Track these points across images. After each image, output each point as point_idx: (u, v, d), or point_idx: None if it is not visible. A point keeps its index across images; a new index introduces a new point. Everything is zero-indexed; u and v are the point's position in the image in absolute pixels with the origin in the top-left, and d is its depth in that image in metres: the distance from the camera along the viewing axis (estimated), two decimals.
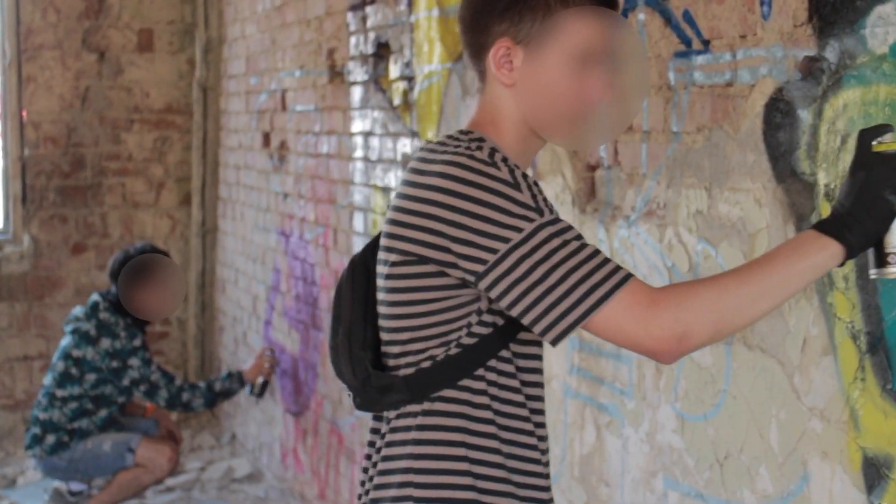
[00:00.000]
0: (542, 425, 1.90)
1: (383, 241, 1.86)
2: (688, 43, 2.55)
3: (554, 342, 1.73)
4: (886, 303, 1.99)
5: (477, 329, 1.82)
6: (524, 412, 1.87)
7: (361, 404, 1.92)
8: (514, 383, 1.86)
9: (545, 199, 1.77)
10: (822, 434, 2.17)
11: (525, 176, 1.77)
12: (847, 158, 2.07)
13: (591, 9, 1.83)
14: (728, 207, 2.41)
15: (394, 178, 4.21)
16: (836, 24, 2.10)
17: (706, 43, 2.48)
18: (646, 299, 1.70)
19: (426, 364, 1.84)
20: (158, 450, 5.29)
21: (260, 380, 5.51)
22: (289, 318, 5.48)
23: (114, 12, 6.94)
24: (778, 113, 2.26)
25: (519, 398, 1.86)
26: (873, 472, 2.04)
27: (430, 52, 3.87)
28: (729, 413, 2.43)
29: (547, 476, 1.92)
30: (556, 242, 1.71)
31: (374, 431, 1.94)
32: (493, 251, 1.72)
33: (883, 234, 1.74)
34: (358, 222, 4.57)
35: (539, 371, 1.91)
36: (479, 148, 1.78)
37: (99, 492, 5.35)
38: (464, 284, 1.79)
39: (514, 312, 1.74)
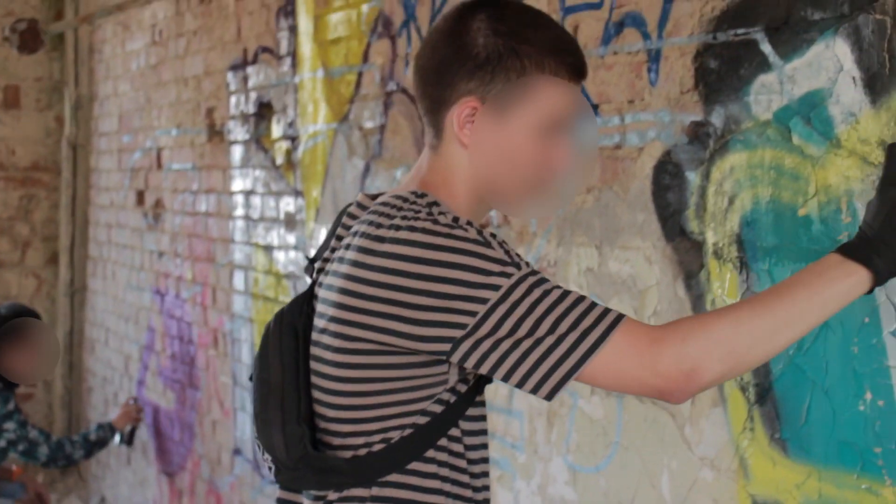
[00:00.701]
0: (487, 501, 1.81)
1: (332, 311, 1.70)
2: None
3: (548, 397, 1.61)
4: (774, 357, 2.10)
5: (431, 408, 1.70)
6: (468, 493, 1.76)
7: (288, 481, 1.78)
8: (462, 463, 1.74)
9: (517, 254, 1.66)
10: (712, 483, 2.25)
11: (493, 234, 1.65)
12: (734, 219, 2.18)
13: (569, 70, 1.73)
14: (618, 265, 2.50)
15: (276, 237, 4.23)
16: (721, 91, 2.22)
17: (595, 107, 2.58)
18: (645, 338, 1.58)
19: (379, 446, 1.70)
20: None
21: (128, 427, 5.47)
22: (164, 377, 5.42)
23: None
24: (666, 175, 2.37)
25: (465, 479, 1.75)
26: None
27: (314, 112, 3.92)
28: (621, 464, 2.51)
29: None
30: (537, 293, 1.59)
31: None
32: (472, 314, 1.59)
33: None
34: (238, 280, 4.57)
35: (486, 446, 1.81)
36: (441, 213, 1.65)
37: None
38: (432, 362, 1.66)
39: (500, 374, 1.61)
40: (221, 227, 4.74)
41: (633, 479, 2.47)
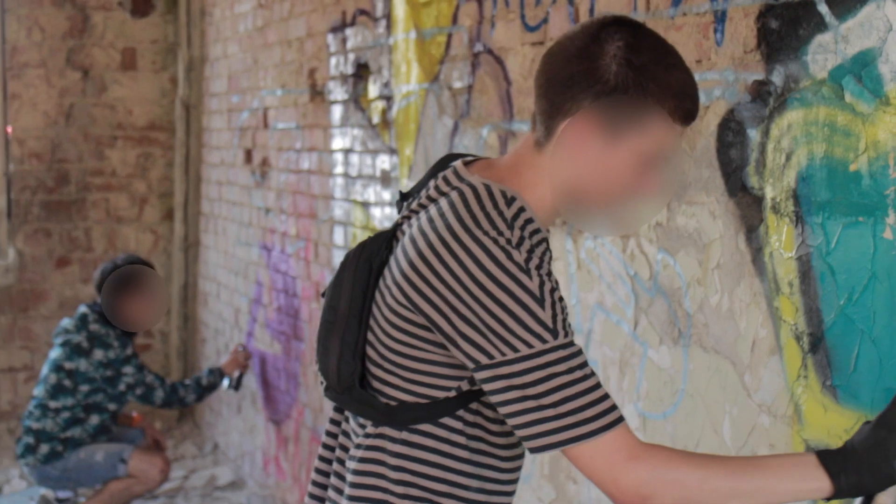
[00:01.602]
0: (511, 459, 1.94)
1: (399, 277, 1.83)
2: None
3: (532, 452, 1.77)
4: (826, 307, 2.18)
5: (463, 385, 1.85)
6: (497, 451, 1.90)
7: (334, 400, 1.95)
8: (495, 427, 1.90)
9: (564, 319, 1.77)
10: (769, 428, 2.35)
11: (553, 291, 1.76)
12: (791, 174, 2.26)
13: (685, 117, 1.84)
14: (685, 219, 2.60)
15: (373, 194, 4.39)
16: (782, 50, 2.29)
17: None
18: (626, 451, 1.73)
19: (411, 401, 1.86)
20: (151, 461, 5.42)
21: (236, 373, 5.74)
22: (271, 329, 5.64)
23: (98, 31, 7.11)
24: (730, 132, 2.45)
25: (494, 438, 1.90)
26: None
27: (407, 73, 4.06)
28: (686, 411, 2.61)
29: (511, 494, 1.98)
30: (562, 367, 1.73)
31: (334, 432, 1.99)
32: (502, 353, 1.74)
33: (875, 493, 1.79)
34: (338, 236, 4.74)
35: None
36: (520, 244, 1.76)
37: (87, 499, 5.48)
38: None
39: (503, 411, 1.76)
40: (322, 184, 4.91)
41: (698, 425, 2.57)
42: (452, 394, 1.85)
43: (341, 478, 1.97)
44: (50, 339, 6.26)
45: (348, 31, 4.61)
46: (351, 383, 1.90)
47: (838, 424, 2.16)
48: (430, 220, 1.84)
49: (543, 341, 1.73)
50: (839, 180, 2.14)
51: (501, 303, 1.73)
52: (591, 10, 2.94)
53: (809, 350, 2.23)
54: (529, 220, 1.79)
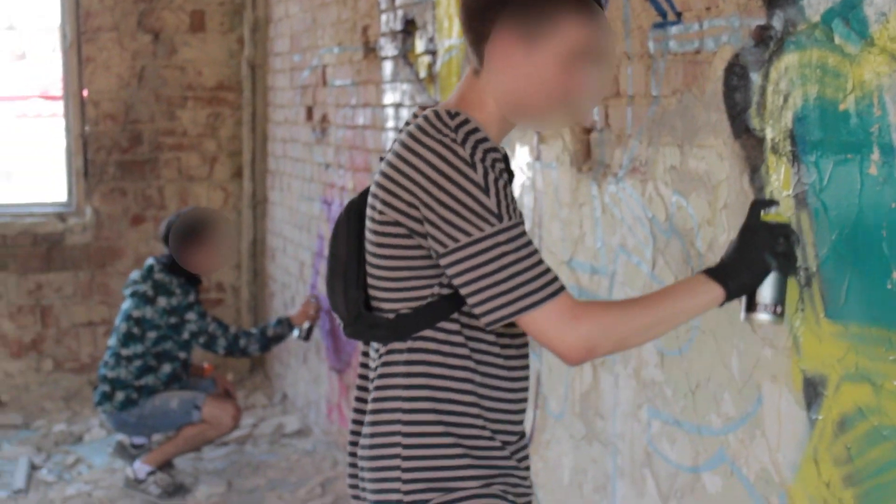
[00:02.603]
0: (514, 357, 2.16)
1: (371, 199, 2.10)
2: (664, 15, 2.82)
3: (487, 325, 2.00)
4: (820, 242, 2.27)
5: (442, 289, 2.08)
6: (496, 349, 2.13)
7: (352, 334, 2.18)
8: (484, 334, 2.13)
9: (509, 204, 1.99)
10: (771, 360, 2.45)
11: (497, 180, 1.99)
12: (788, 115, 2.34)
13: (588, 7, 2.06)
14: (696, 162, 2.69)
15: None
16: None
17: (679, 15, 2.75)
18: (569, 314, 1.98)
19: (406, 311, 2.09)
20: (223, 407, 5.64)
21: (306, 324, 5.89)
22: None
23: None
24: (735, 76, 2.53)
25: (489, 337, 2.12)
26: (811, 391, 2.32)
27: (449, 28, 4.17)
28: (699, 347, 2.72)
29: (519, 409, 2.17)
30: (507, 247, 1.97)
31: (364, 365, 2.22)
32: (455, 239, 1.97)
33: (757, 286, 2.14)
34: None
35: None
36: (464, 140, 1.99)
37: (161, 444, 5.71)
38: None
39: (462, 292, 2.00)
40: (376, 138, 5.05)
41: (709, 360, 2.68)
42: (434, 298, 2.07)
43: (368, 409, 2.16)
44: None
45: None
46: (357, 311, 2.13)
47: (831, 354, 2.25)
48: (392, 150, 2.09)
49: (491, 224, 1.96)
50: (830, 120, 2.22)
51: (451, 194, 1.97)
52: None
53: (805, 284, 2.32)
54: (475, 129, 2.01)
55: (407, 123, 2.16)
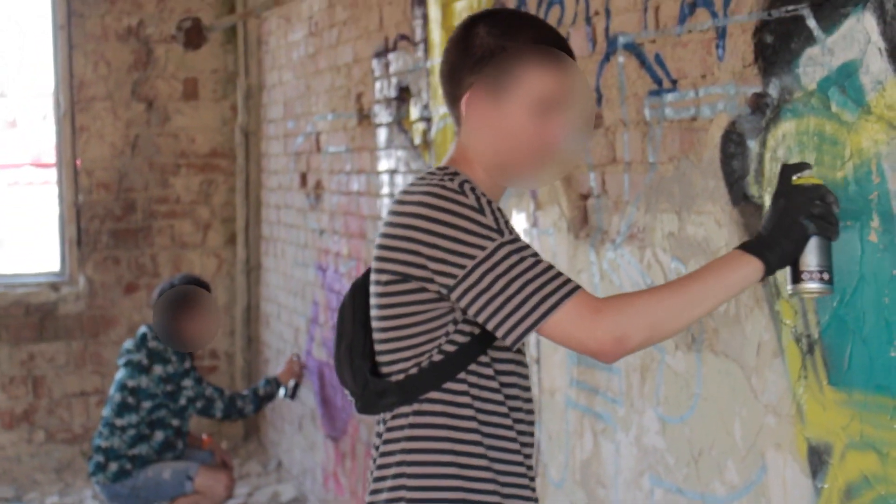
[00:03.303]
0: (522, 422, 2.14)
1: (374, 264, 2.12)
2: (659, 82, 2.83)
3: (512, 344, 1.98)
4: (821, 308, 2.26)
5: (456, 337, 2.07)
6: (503, 409, 2.11)
7: (362, 408, 2.17)
8: (494, 384, 2.11)
9: (506, 222, 2.02)
10: (775, 428, 2.43)
11: (490, 202, 2.02)
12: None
13: (551, 57, 2.07)
14: (694, 228, 2.69)
15: None
16: (777, 63, 2.38)
17: (674, 82, 2.77)
18: (590, 308, 1.94)
19: (413, 370, 2.09)
20: (216, 477, 5.59)
21: (291, 382, 5.89)
22: (327, 347, 5.79)
23: (160, 63, 7.34)
24: (732, 143, 2.55)
25: (498, 397, 2.10)
26: (816, 459, 2.30)
27: None
28: (701, 414, 2.70)
29: (528, 474, 2.15)
30: (514, 259, 1.96)
31: (376, 434, 2.20)
32: (462, 267, 1.98)
33: (798, 255, 2.01)
34: None
35: (519, 374, 2.15)
36: (451, 179, 2.04)
37: None
38: (440, 298, 2.04)
39: (481, 319, 1.99)
40: (371, 205, 5.06)
41: (712, 427, 2.66)
42: (449, 347, 2.06)
43: (371, 473, 2.17)
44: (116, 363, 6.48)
45: (391, 56, 4.75)
46: (364, 378, 2.13)
47: (836, 422, 2.24)
48: (388, 213, 2.13)
49: (492, 240, 1.97)
50: (829, 187, 2.22)
51: (449, 223, 1.99)
52: (607, 30, 3.05)
53: (808, 351, 2.31)
54: (467, 180, 2.05)
55: (402, 193, 2.18)
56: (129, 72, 7.31)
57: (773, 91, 2.40)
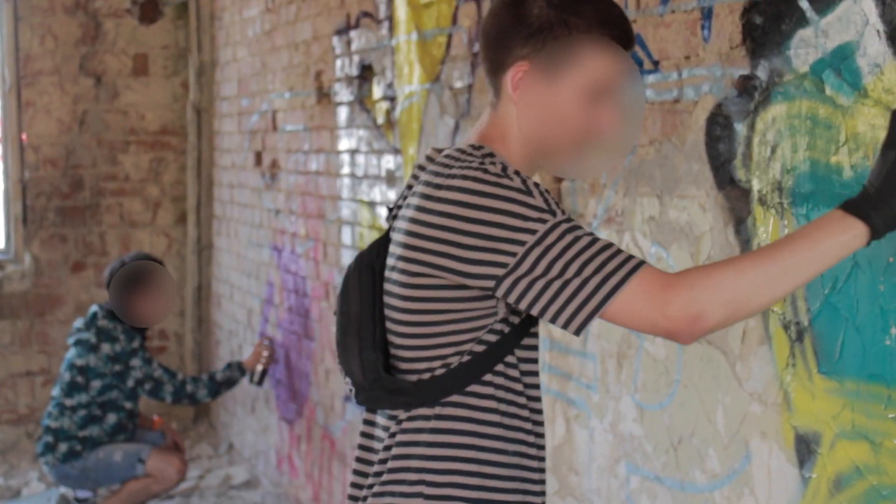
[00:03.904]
0: (540, 423, 2.01)
1: (400, 251, 1.92)
2: (640, 63, 2.78)
3: (577, 332, 1.79)
4: (812, 296, 2.22)
5: (487, 337, 1.91)
6: (525, 413, 1.97)
7: (365, 401, 2.00)
8: (518, 386, 1.96)
9: (556, 202, 1.84)
10: (760, 416, 2.39)
11: (536, 183, 1.84)
12: (776, 167, 2.30)
13: (610, 45, 1.91)
14: (677, 213, 2.64)
15: (378, 194, 4.44)
16: (766, 45, 2.34)
17: (656, 63, 2.72)
18: (658, 284, 1.75)
19: (440, 371, 1.92)
20: (168, 460, 5.48)
21: (259, 368, 5.70)
22: (282, 329, 5.71)
23: (109, 38, 7.18)
24: (718, 126, 2.50)
25: (521, 400, 1.96)
26: (804, 448, 2.26)
27: (409, 74, 4.11)
28: (681, 401, 2.66)
29: (542, 470, 2.02)
30: (568, 238, 1.78)
31: (375, 426, 2.03)
32: (512, 254, 1.79)
33: None
34: (346, 236, 4.80)
35: (538, 373, 2.02)
36: (492, 163, 1.85)
37: (105, 499, 5.54)
38: (482, 297, 1.87)
39: (536, 310, 1.80)
40: (330, 185, 4.97)
41: (692, 414, 2.62)
42: (478, 347, 1.90)
43: (374, 472, 2.00)
44: (66, 343, 6.35)
45: (353, 34, 4.66)
46: (376, 374, 1.96)
47: (826, 411, 2.20)
48: (414, 196, 1.93)
49: (544, 222, 1.79)
50: (822, 172, 2.18)
51: (494, 209, 1.80)
52: None
53: (797, 339, 2.27)
54: (502, 163, 1.87)
55: (420, 168, 2.01)
56: (76, 46, 7.16)
57: (762, 73, 2.35)
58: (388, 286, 1.97)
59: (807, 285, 2.22)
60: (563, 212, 1.84)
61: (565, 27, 1.90)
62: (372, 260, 2.02)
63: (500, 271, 1.81)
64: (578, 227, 1.81)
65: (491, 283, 1.83)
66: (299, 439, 5.54)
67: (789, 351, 2.29)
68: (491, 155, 1.90)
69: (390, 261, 1.97)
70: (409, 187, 2.02)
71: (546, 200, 1.82)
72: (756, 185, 2.37)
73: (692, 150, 2.59)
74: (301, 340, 5.44)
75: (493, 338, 1.92)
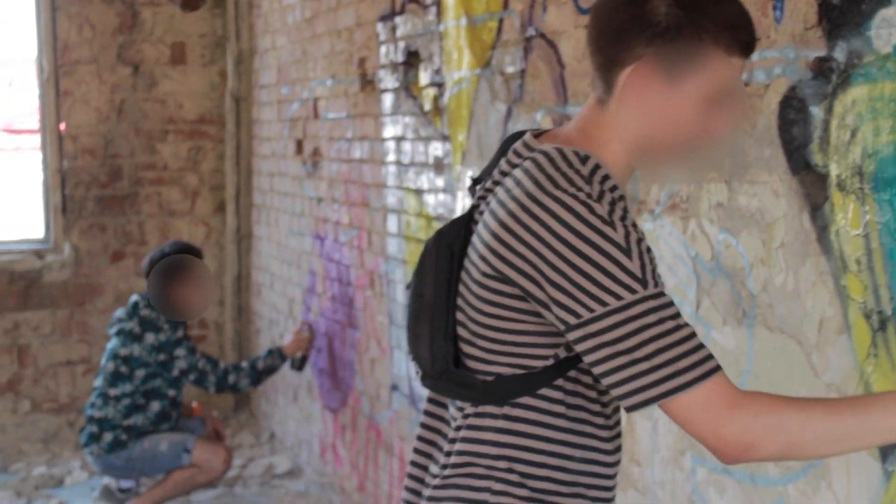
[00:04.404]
0: (616, 429, 1.94)
1: (483, 250, 1.84)
2: None
3: (629, 410, 1.73)
4: (894, 283, 2.16)
5: (563, 352, 1.85)
6: (599, 420, 1.90)
7: (431, 387, 1.95)
8: (592, 393, 1.89)
9: (653, 269, 1.74)
10: None
11: (639, 241, 1.74)
12: (856, 151, 2.24)
13: (740, 45, 1.82)
14: (747, 199, 2.58)
15: (426, 181, 4.39)
16: (844, 26, 2.27)
17: None
18: (725, 399, 1.69)
19: (508, 374, 1.86)
20: (214, 451, 5.46)
21: (299, 354, 5.68)
22: (325, 318, 5.67)
23: (147, 27, 7.15)
24: (791, 109, 2.43)
25: (595, 407, 1.89)
26: None
27: (459, 60, 4.05)
28: (753, 388, 2.59)
29: (612, 477, 1.95)
30: (652, 318, 1.70)
31: (431, 415, 1.99)
32: (590, 309, 1.71)
33: None
34: (392, 224, 4.75)
35: None
36: (601, 196, 1.75)
37: (150, 488, 5.52)
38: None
39: (597, 371, 1.74)
40: (375, 172, 4.92)
41: None
42: (550, 362, 1.84)
43: (440, 464, 1.95)
44: (106, 332, 6.33)
45: (398, 20, 4.61)
46: (445, 366, 1.90)
47: None
48: (508, 191, 1.84)
49: (633, 292, 1.70)
50: None
51: (587, 257, 1.71)
52: None
53: (879, 328, 2.20)
54: (606, 177, 1.79)
55: (517, 154, 1.91)
56: (114, 35, 7.13)
57: (840, 55, 2.28)
58: (465, 277, 1.90)
59: (890, 272, 2.16)
60: (657, 282, 1.74)
61: (694, 29, 1.79)
62: (452, 241, 1.93)
63: (573, 320, 1.73)
64: (667, 307, 1.72)
65: (561, 326, 1.76)
66: (344, 429, 5.50)
67: (871, 341, 2.23)
68: (596, 170, 1.79)
69: (473, 253, 1.89)
70: (502, 172, 1.92)
71: (643, 265, 1.73)
72: (834, 170, 2.31)
73: (763, 135, 2.52)
74: (345, 329, 5.40)
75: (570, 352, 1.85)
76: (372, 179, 4.97)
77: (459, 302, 1.91)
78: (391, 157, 4.74)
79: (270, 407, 6.78)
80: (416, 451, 2.04)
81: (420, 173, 4.45)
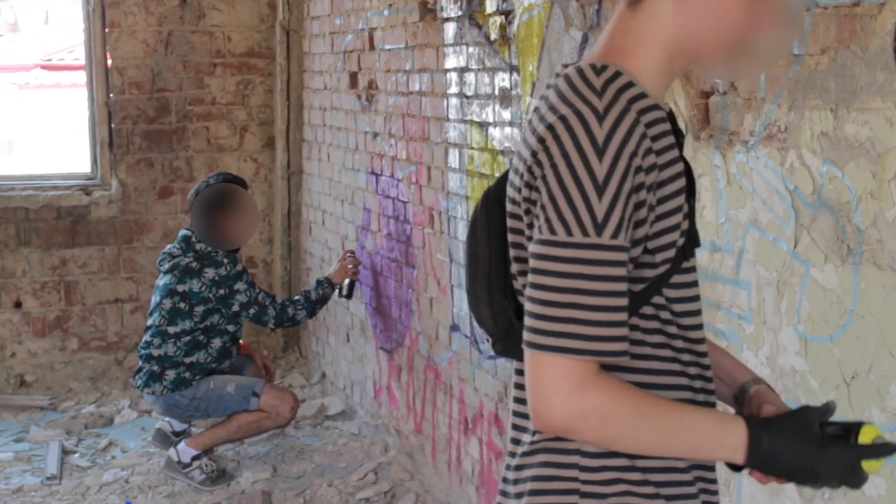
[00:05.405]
0: (706, 367, 1.80)
1: (514, 195, 1.76)
2: None
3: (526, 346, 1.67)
4: None
5: (634, 286, 1.71)
6: (686, 357, 1.77)
7: (503, 351, 1.85)
8: (673, 329, 1.76)
9: (621, 220, 1.62)
10: None
11: (623, 179, 1.62)
12: None
13: None
14: (856, 128, 2.41)
15: (492, 114, 4.23)
16: None
17: None
18: (579, 380, 1.61)
19: None
20: (282, 397, 5.33)
21: (346, 281, 5.57)
22: (381, 256, 5.53)
23: None
24: None
25: (678, 344, 1.76)
26: None
27: None
28: (856, 333, 2.44)
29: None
30: (588, 270, 1.61)
31: (519, 386, 1.85)
32: (546, 231, 1.64)
33: (783, 478, 1.69)
34: (453, 158, 4.60)
35: (700, 313, 1.79)
36: (606, 111, 1.64)
37: (211, 427, 5.39)
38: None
39: (525, 292, 1.68)
40: (435, 105, 4.76)
41: (870, 347, 2.40)
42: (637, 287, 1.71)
43: (531, 431, 1.82)
44: (154, 270, 6.23)
45: None
46: (508, 321, 1.80)
47: None
48: (529, 123, 1.76)
49: (585, 234, 1.61)
50: None
51: (562, 181, 1.63)
52: None
53: None
54: (628, 84, 1.67)
55: (547, 87, 1.81)
56: None
57: None
58: (511, 223, 1.78)
59: None
60: (618, 234, 1.62)
61: None
62: (501, 195, 1.83)
63: (535, 234, 1.66)
64: (609, 265, 1.61)
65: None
66: (399, 370, 5.38)
67: None
68: (614, 79, 1.67)
69: (510, 196, 1.77)
70: (535, 110, 1.79)
71: (610, 209, 1.61)
72: None
73: (876, 58, 2.34)
74: (402, 268, 5.26)
75: (634, 287, 1.71)
76: (432, 113, 4.80)
77: (512, 252, 1.79)
78: (453, 90, 4.57)
79: (321, 347, 6.68)
80: (513, 426, 1.89)
81: (485, 106, 4.28)
